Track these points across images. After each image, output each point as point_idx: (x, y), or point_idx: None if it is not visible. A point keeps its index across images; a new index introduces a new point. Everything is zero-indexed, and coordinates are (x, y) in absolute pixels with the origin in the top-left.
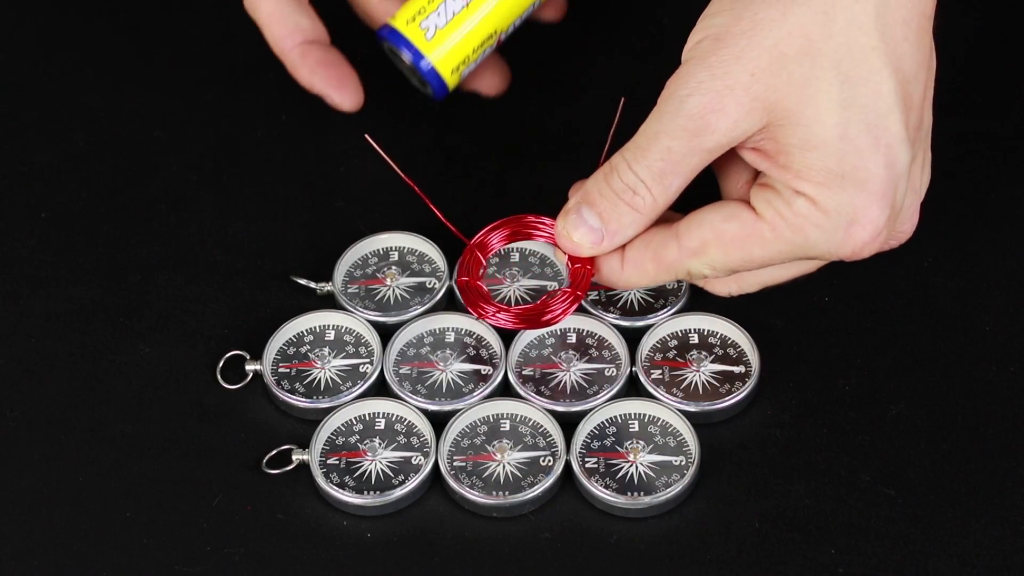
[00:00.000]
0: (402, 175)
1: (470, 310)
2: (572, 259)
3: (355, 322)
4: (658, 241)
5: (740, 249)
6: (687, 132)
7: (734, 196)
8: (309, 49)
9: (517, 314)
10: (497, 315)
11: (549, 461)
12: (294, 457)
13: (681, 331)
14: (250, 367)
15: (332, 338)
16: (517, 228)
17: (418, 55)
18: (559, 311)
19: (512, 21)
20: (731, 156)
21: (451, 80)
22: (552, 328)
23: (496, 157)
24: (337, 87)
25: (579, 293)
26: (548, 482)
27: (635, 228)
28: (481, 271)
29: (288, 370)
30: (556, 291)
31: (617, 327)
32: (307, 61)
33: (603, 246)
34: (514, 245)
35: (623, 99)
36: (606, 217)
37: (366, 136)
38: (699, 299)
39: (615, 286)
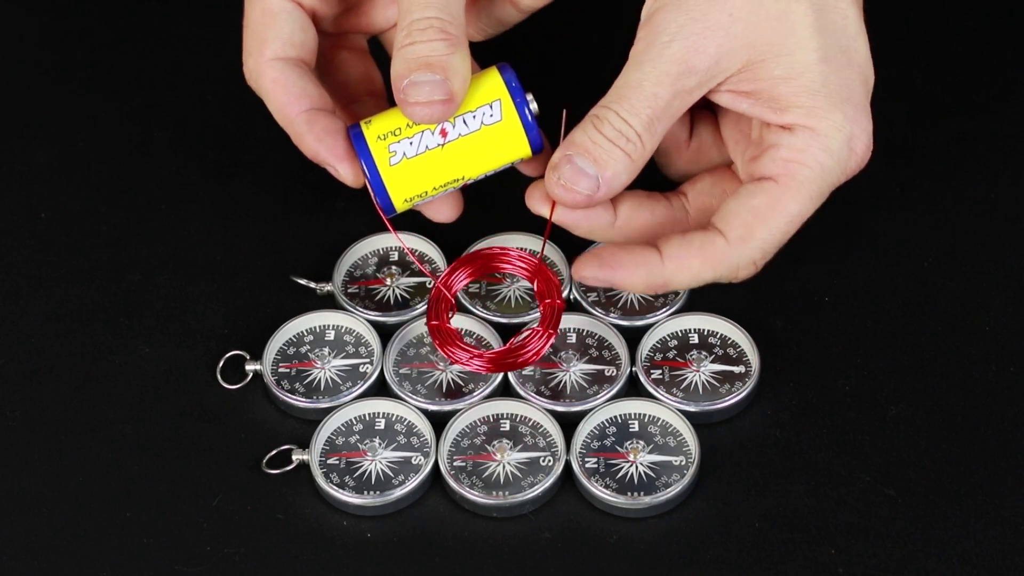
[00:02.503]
0: (376, 205)
1: (444, 355)
2: (542, 296)
3: (355, 322)
4: (701, 238)
5: (780, 214)
6: (671, 77)
7: (678, 159)
8: (316, 116)
9: (491, 359)
10: (472, 360)
11: (549, 461)
12: (294, 457)
13: (681, 331)
14: (250, 367)
15: (332, 338)
16: (482, 263)
17: (376, 175)
18: (531, 352)
19: (484, 172)
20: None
21: (400, 207)
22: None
23: None
24: (342, 159)
25: (551, 332)
26: (548, 482)
27: (628, 176)
28: (451, 312)
29: (288, 370)
30: (528, 331)
31: (617, 327)
32: (313, 128)
33: (599, 195)
34: (514, 244)
35: (565, 111)
36: (602, 163)
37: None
38: (699, 299)
39: (653, 286)
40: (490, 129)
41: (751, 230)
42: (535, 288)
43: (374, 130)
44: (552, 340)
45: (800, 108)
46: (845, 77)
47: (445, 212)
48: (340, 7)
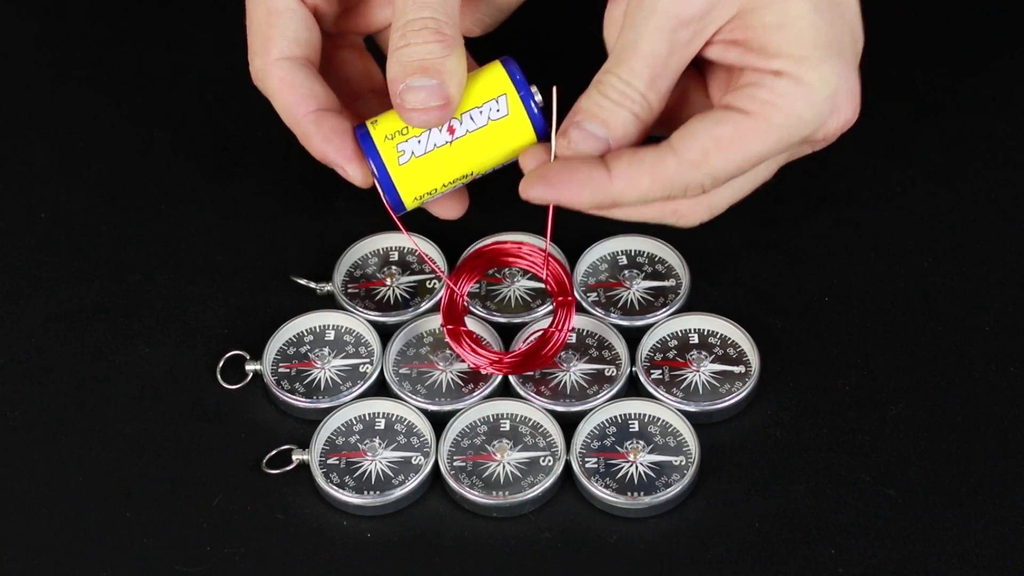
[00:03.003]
0: (383, 198)
1: (463, 360)
2: (554, 292)
3: (355, 322)
4: (652, 156)
5: (740, 149)
6: (665, 32)
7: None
8: (323, 116)
9: (510, 363)
10: (491, 367)
11: (549, 461)
12: (294, 457)
13: (681, 331)
14: (250, 367)
15: (332, 338)
16: (492, 257)
17: (385, 175)
18: (547, 353)
19: (492, 166)
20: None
21: (410, 205)
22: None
23: None
24: (351, 160)
25: (566, 331)
26: (548, 482)
27: (638, 136)
28: (464, 304)
29: (288, 370)
30: (542, 332)
31: (617, 327)
32: (321, 129)
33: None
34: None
35: (555, 87)
36: (611, 124)
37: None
38: (699, 299)
39: (601, 205)
40: (497, 124)
41: (707, 156)
42: (544, 279)
43: (381, 130)
44: (565, 339)
45: (789, 57)
46: (837, 31)
47: (452, 209)
48: (340, 7)
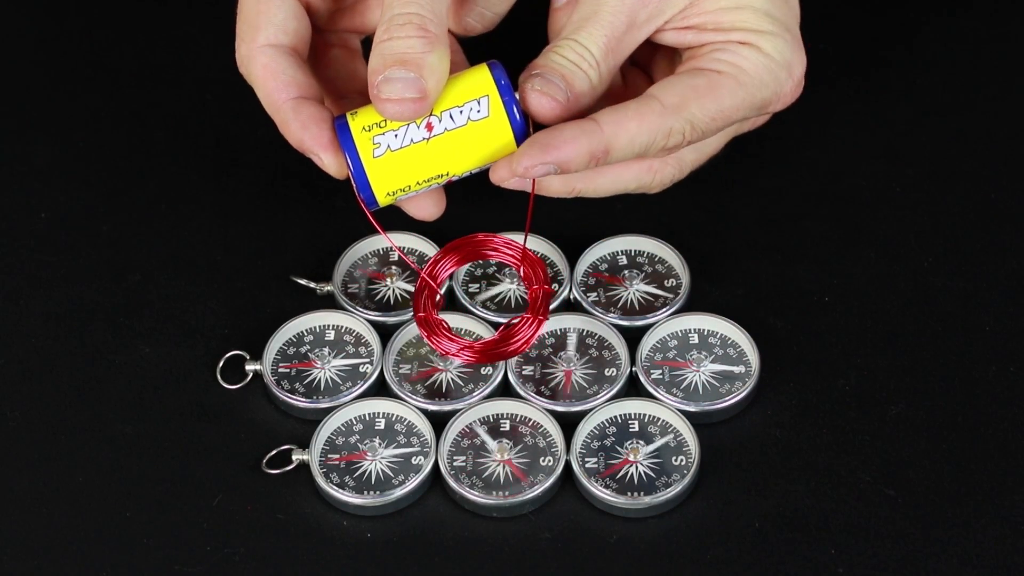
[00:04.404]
0: (359, 197)
1: (432, 347)
2: (528, 281)
3: (355, 322)
4: (636, 104)
5: (715, 100)
6: (627, 5)
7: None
8: (303, 104)
9: (481, 350)
10: (462, 352)
11: (549, 461)
12: (294, 457)
13: (681, 331)
14: (250, 367)
15: (332, 338)
16: (468, 251)
17: (359, 166)
18: (522, 339)
19: (469, 168)
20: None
21: (383, 200)
22: (552, 328)
23: None
24: (326, 148)
25: (541, 317)
26: (548, 482)
27: (589, 99)
28: (438, 299)
29: (288, 370)
30: (517, 319)
31: (617, 327)
32: (299, 116)
33: (569, 106)
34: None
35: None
36: (570, 79)
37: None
38: (699, 299)
39: (595, 154)
40: (477, 125)
41: (686, 101)
42: (521, 274)
43: (359, 121)
44: (541, 326)
45: (748, 31)
46: (782, 12)
47: (427, 209)
48: (335, 4)
